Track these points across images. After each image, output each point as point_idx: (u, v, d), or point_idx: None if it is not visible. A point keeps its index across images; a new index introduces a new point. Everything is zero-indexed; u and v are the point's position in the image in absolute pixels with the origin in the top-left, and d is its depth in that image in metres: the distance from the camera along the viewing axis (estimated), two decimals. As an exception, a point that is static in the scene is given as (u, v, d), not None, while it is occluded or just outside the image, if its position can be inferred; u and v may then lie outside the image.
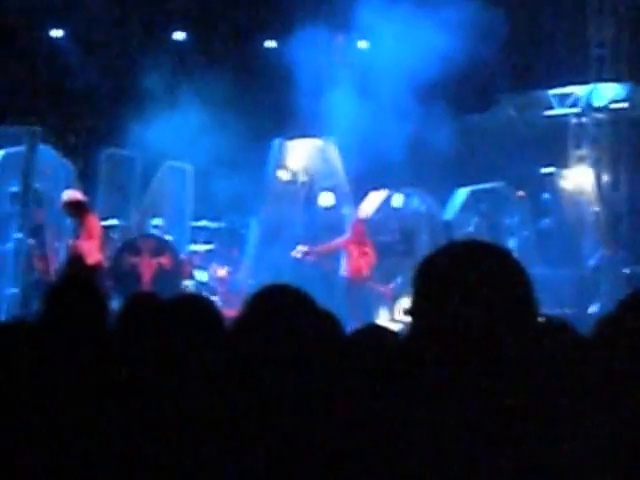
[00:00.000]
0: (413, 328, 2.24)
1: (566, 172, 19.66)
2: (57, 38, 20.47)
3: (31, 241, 14.78)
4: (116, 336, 3.56)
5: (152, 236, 16.19)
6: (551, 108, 20.16)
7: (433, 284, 2.20)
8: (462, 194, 18.53)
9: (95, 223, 13.96)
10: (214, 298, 15.36)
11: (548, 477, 2.12)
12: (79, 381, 3.58)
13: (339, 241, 16.55)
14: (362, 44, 20.34)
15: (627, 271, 18.91)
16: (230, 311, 12.49)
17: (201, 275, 17.04)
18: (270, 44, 20.96)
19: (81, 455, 3.10)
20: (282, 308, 3.23)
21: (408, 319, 8.98)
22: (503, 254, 2.24)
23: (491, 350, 2.14)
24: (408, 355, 2.39)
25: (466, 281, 2.15)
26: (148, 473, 2.95)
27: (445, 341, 2.15)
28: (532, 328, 2.20)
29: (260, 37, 20.74)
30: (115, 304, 12.86)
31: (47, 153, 15.74)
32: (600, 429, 2.34)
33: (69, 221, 15.80)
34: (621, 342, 3.08)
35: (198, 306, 3.54)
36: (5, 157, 15.04)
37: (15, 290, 14.10)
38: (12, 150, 14.93)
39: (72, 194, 14.02)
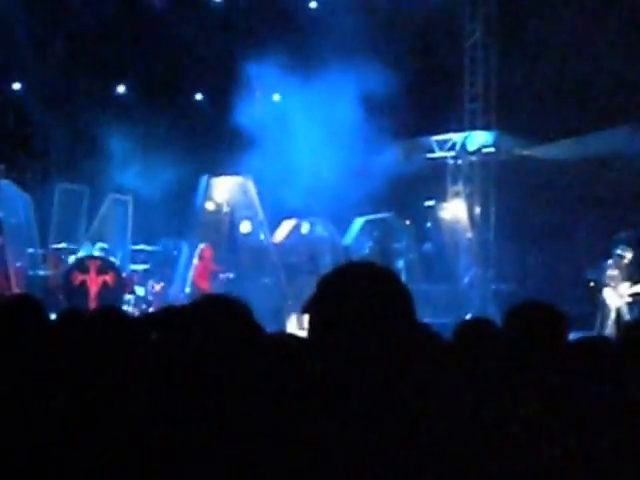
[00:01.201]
0: (309, 340, 2.20)
1: (444, 205, 19.98)
2: (17, 90, 20.49)
3: None
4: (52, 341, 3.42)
5: (98, 257, 16.19)
6: (432, 151, 20.39)
7: (327, 301, 2.16)
8: (358, 223, 19.15)
9: None
10: (150, 309, 15.86)
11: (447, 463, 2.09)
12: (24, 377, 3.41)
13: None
14: (276, 97, 20.71)
15: (494, 287, 19.42)
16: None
17: (140, 290, 17.18)
18: (198, 97, 21.09)
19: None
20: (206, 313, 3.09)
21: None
22: (388, 274, 2.22)
23: (373, 358, 2.10)
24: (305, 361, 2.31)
25: (355, 296, 2.13)
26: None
27: (333, 353, 2.12)
28: (410, 335, 2.17)
29: (191, 90, 20.79)
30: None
31: (8, 187, 16.23)
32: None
33: (26, 245, 16.42)
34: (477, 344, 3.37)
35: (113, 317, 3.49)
36: None
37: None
38: None
39: None
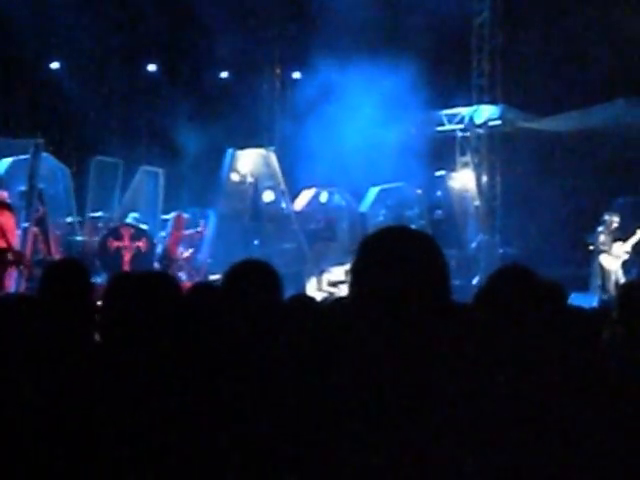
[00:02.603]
0: (353, 294, 2.14)
1: (454, 174, 20.03)
2: (55, 69, 20.51)
3: (36, 229, 14.65)
4: (102, 308, 3.11)
5: (131, 225, 16.20)
6: (442, 125, 20.47)
7: (370, 260, 2.13)
8: (373, 192, 19.04)
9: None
10: (181, 273, 16.08)
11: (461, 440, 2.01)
12: (71, 346, 3.36)
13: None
14: (296, 74, 20.67)
15: (501, 251, 19.54)
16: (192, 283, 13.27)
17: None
18: (224, 74, 20.94)
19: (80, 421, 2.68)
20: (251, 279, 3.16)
21: (332, 289, 11.01)
22: (426, 237, 2.20)
23: (414, 314, 2.06)
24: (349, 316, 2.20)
25: (397, 257, 2.09)
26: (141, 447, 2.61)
27: (379, 306, 2.07)
28: (448, 295, 2.13)
29: (217, 69, 20.67)
30: (101, 279, 13.88)
31: (48, 160, 16.04)
32: (501, 376, 2.39)
33: (65, 214, 16.48)
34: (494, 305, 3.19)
35: (163, 280, 3.15)
36: (15, 163, 15.30)
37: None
38: (20, 157, 15.15)
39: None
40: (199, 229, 17.31)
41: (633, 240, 15.31)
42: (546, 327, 3.23)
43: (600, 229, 15.35)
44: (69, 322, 3.76)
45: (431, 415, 2.02)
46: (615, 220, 15.33)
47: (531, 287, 3.18)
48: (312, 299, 4.57)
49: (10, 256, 12.92)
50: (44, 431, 2.73)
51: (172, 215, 16.98)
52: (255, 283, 3.20)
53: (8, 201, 13.41)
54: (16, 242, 13.35)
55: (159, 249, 16.54)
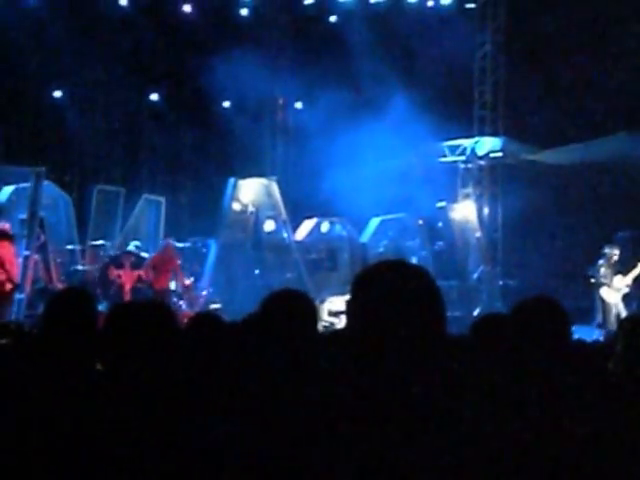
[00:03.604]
0: (349, 326, 2.19)
1: (455, 206, 20.00)
2: (58, 97, 20.37)
3: (37, 257, 14.61)
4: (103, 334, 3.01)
5: (132, 253, 16.15)
6: (444, 156, 20.47)
7: (366, 293, 2.15)
8: (375, 222, 19.13)
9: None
10: (181, 302, 16.06)
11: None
12: (75, 376, 3.34)
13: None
14: (298, 105, 20.80)
15: (501, 282, 19.59)
16: (192, 312, 13.08)
17: (171, 284, 16.60)
18: (226, 104, 20.86)
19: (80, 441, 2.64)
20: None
21: (332, 319, 10.88)
22: (420, 272, 2.21)
23: (410, 347, 2.09)
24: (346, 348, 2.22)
25: (393, 291, 2.12)
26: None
27: (375, 338, 2.10)
28: (443, 328, 2.16)
29: (218, 99, 20.52)
30: (102, 307, 13.61)
31: (49, 188, 16.00)
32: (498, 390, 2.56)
33: (66, 242, 16.42)
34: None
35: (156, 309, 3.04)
36: (16, 191, 15.25)
37: (22, 296, 13.82)
38: (22, 185, 15.11)
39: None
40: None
41: (634, 273, 15.32)
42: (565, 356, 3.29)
43: (600, 262, 15.36)
44: (73, 352, 3.71)
45: (421, 447, 2.05)
46: (615, 253, 15.35)
47: (562, 318, 3.25)
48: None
49: (9, 286, 12.98)
50: (47, 463, 2.71)
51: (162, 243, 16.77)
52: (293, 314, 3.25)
53: (9, 232, 13.46)
54: (16, 273, 13.37)
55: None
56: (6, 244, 13.23)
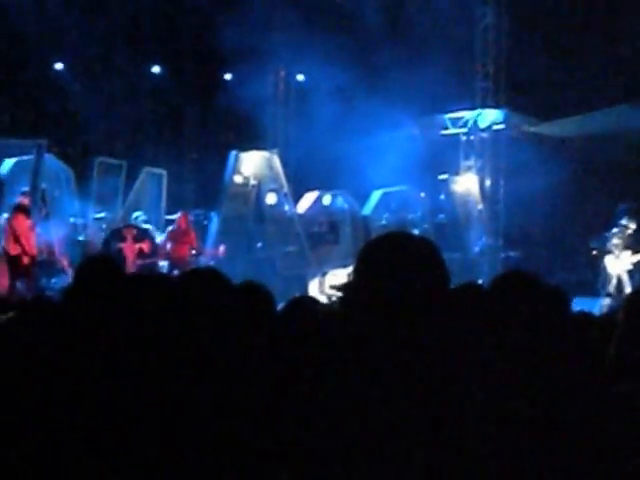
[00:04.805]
0: (354, 299, 2.20)
1: (457, 178, 19.99)
2: (59, 70, 20.46)
3: (38, 229, 14.28)
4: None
5: (134, 226, 16.11)
6: (446, 128, 20.45)
7: (371, 266, 2.16)
8: (376, 195, 19.09)
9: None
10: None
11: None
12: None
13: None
14: (300, 77, 20.76)
15: (503, 255, 19.56)
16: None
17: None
18: (228, 76, 20.77)
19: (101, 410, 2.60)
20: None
21: (335, 292, 10.86)
22: (426, 242, 2.21)
23: (416, 315, 2.07)
24: (348, 322, 2.25)
25: (398, 262, 2.12)
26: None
27: (381, 309, 2.10)
28: (447, 295, 2.16)
29: (220, 70, 20.58)
30: None
31: (51, 161, 16.06)
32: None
33: (68, 214, 16.36)
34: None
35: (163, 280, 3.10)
36: (18, 163, 15.28)
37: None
38: (24, 158, 15.15)
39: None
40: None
41: None
42: (549, 332, 3.15)
43: (614, 231, 15.32)
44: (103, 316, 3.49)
45: (432, 416, 2.04)
46: (632, 226, 15.30)
47: (536, 293, 3.14)
48: (315, 300, 4.56)
49: (25, 260, 13.07)
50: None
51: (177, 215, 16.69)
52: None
53: (27, 205, 13.59)
54: (32, 245, 13.47)
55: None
56: (21, 217, 13.35)
